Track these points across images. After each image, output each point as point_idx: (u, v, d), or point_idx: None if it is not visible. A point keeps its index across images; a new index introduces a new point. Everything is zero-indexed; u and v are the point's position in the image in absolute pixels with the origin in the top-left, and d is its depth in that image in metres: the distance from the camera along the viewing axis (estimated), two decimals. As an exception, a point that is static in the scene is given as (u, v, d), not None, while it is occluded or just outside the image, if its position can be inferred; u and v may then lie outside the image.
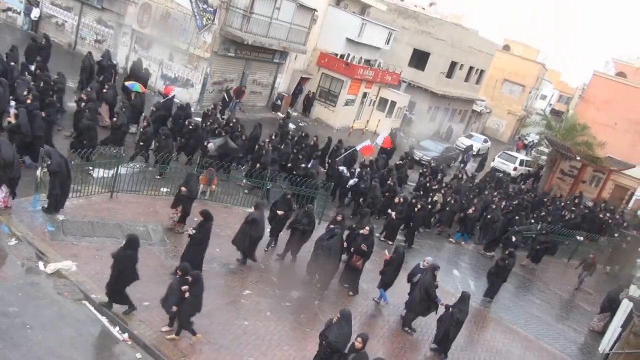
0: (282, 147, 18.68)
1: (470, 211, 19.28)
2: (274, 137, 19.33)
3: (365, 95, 32.41)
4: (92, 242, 11.01)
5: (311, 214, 13.06)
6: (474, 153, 34.81)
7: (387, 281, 12.71)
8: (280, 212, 13.03)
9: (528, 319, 15.29)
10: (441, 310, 11.67)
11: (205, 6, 22.45)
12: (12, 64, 16.89)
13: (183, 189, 12.10)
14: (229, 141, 16.69)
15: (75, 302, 9.23)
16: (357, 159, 21.20)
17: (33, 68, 18.13)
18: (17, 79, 15.70)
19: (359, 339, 8.37)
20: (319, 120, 30.21)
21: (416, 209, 16.83)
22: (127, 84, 19.42)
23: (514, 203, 23.37)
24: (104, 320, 9.10)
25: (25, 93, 14.29)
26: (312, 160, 18.56)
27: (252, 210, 13.26)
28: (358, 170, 19.36)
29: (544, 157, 38.28)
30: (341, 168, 18.99)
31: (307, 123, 28.88)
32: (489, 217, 19.67)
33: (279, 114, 27.87)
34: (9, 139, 12.08)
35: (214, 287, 11.00)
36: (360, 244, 12.40)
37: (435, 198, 20.02)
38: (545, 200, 27.01)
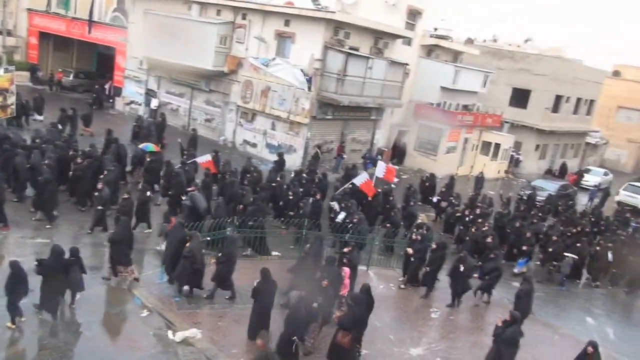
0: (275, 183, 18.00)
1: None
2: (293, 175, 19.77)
3: (466, 140, 31.74)
4: (213, 309, 11.53)
5: None
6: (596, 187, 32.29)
7: None
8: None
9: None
10: None
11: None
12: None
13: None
14: (195, 197, 14.64)
15: (201, 368, 9.64)
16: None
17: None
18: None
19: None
20: (421, 170, 29.90)
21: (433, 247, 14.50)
22: (140, 146, 19.15)
23: (575, 230, 19.98)
24: (229, 385, 9.37)
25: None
26: (310, 199, 16.73)
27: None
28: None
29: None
30: (331, 203, 17.80)
31: (406, 174, 28.65)
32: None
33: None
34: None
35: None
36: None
37: (420, 219, 18.36)
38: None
